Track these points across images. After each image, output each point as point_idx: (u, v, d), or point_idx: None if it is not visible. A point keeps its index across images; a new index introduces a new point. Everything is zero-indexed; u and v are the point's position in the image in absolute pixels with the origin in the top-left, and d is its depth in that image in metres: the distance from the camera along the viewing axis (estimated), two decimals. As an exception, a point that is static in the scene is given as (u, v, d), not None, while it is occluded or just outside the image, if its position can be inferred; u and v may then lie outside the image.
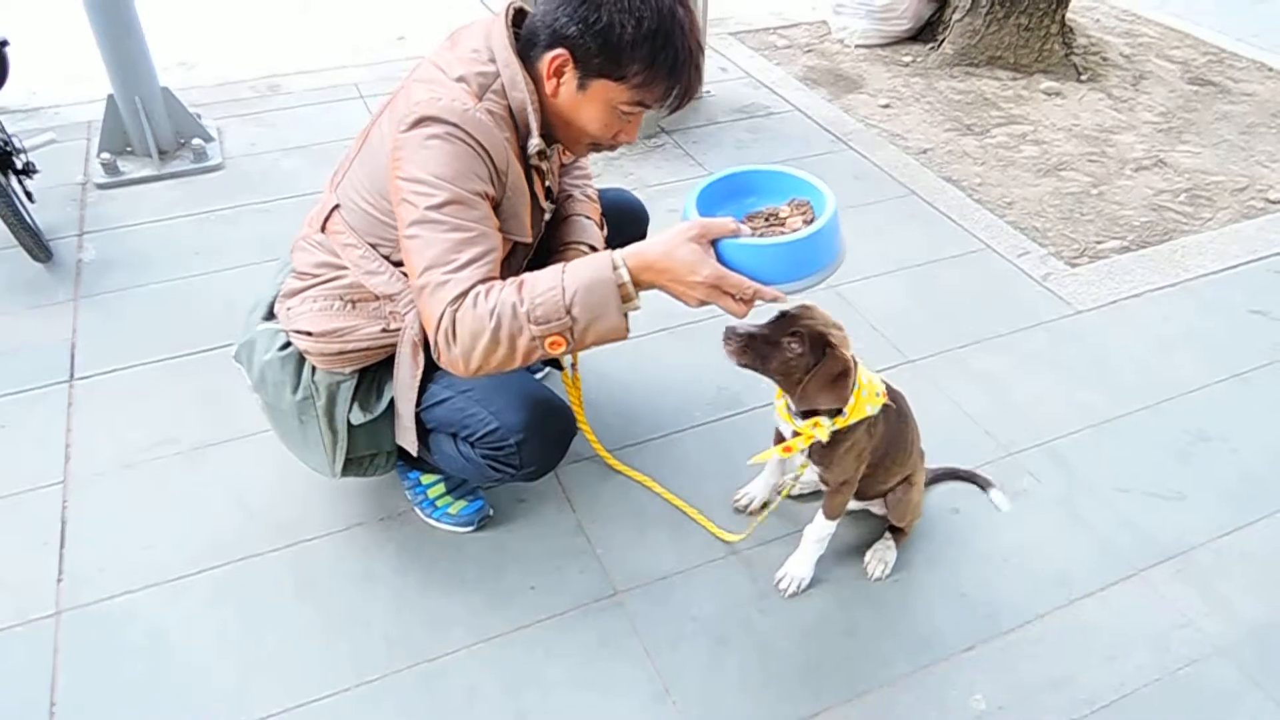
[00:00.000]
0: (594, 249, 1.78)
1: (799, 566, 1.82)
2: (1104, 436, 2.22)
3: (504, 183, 1.46)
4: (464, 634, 1.73)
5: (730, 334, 1.50)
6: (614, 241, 1.92)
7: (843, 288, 2.66)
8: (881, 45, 4.25)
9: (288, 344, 1.65)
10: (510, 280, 1.35)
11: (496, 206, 1.47)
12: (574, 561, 1.88)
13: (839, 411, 1.57)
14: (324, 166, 3.12)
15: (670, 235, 1.31)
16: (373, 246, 1.55)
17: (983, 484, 2.05)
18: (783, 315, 1.51)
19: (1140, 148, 3.54)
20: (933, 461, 2.06)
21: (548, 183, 1.66)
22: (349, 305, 1.59)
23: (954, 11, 4.07)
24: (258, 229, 2.85)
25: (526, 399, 1.64)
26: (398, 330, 1.59)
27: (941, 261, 2.83)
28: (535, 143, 1.48)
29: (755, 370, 1.53)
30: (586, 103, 1.44)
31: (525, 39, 1.45)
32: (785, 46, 4.27)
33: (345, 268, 1.58)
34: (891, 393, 1.72)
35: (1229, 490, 2.09)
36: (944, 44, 4.11)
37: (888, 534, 1.91)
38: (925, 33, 4.26)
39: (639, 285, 1.33)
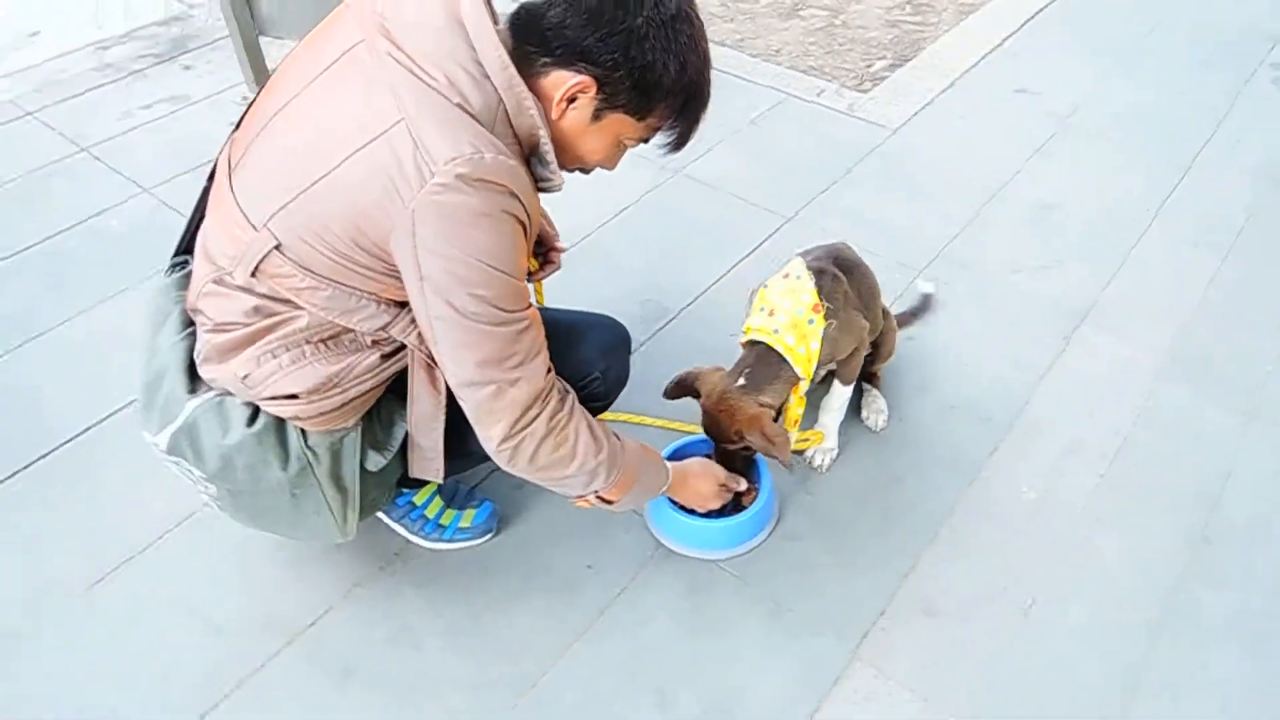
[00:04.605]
0: None
1: (826, 439, 1.82)
2: (975, 232, 2.41)
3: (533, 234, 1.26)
4: (549, 641, 1.55)
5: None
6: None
7: (689, 168, 2.61)
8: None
9: (256, 414, 1.30)
10: (609, 440, 1.36)
11: None
12: (611, 523, 1.73)
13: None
14: None
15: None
16: (343, 284, 1.22)
17: (919, 307, 2.14)
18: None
19: (850, -28, 3.76)
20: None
21: None
22: (323, 345, 1.26)
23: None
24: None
25: (590, 327, 1.56)
26: (396, 353, 1.31)
27: (760, 119, 2.86)
28: (557, 181, 1.25)
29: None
30: (596, 132, 1.23)
31: (522, 38, 1.17)
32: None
33: (299, 308, 1.25)
34: (838, 258, 1.72)
35: (1086, 249, 2.36)
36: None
37: (866, 385, 1.95)
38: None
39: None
